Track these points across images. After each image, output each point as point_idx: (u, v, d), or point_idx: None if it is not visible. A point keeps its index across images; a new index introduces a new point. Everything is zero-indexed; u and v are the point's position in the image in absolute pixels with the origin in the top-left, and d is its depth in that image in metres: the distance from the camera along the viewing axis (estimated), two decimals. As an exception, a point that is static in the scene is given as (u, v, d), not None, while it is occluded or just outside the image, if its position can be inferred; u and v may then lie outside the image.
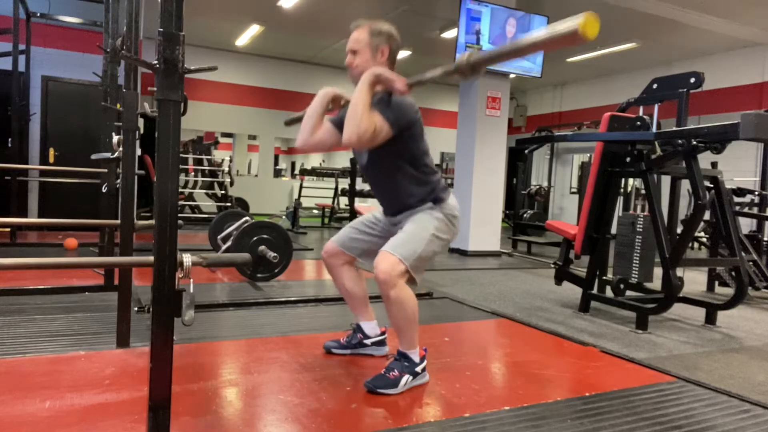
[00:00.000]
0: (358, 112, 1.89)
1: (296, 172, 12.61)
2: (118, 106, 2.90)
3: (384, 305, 2.02)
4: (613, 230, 3.74)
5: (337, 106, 2.21)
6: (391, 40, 2.11)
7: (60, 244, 5.03)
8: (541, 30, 1.33)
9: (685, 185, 3.71)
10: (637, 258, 3.61)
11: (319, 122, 2.19)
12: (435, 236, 2.08)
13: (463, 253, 6.65)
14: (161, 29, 1.24)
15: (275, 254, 3.89)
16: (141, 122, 2.42)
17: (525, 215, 8.69)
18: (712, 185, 3.60)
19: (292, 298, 3.49)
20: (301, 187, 9.46)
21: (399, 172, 2.10)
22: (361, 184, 8.53)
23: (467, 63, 1.59)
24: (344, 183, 9.24)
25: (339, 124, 2.16)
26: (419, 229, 2.07)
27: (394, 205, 2.18)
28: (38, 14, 6.10)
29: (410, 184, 2.11)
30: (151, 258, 1.32)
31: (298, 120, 2.36)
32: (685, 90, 3.59)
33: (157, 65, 1.25)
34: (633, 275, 3.64)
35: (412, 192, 2.11)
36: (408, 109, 2.02)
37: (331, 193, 10.09)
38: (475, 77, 1.67)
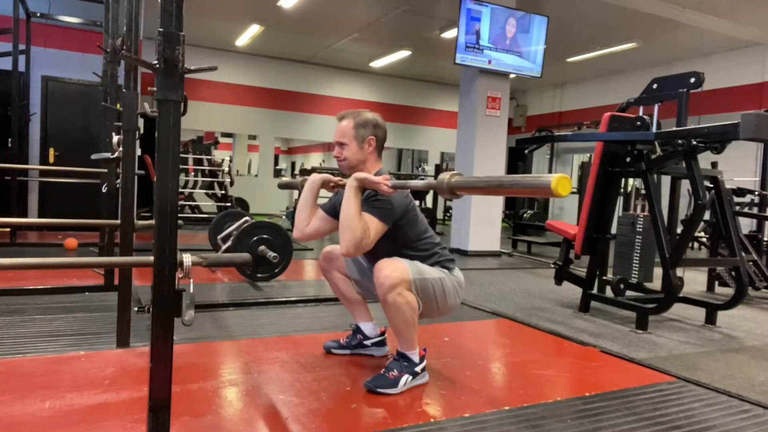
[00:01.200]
0: (351, 223, 1.91)
1: (296, 172, 12.61)
2: (118, 106, 2.90)
3: (381, 308, 2.02)
4: (613, 230, 3.74)
5: (328, 190, 2.23)
6: (376, 130, 2.14)
7: (60, 244, 5.03)
8: (517, 178, 1.46)
9: (685, 185, 3.71)
10: (637, 258, 3.61)
11: (312, 212, 2.22)
12: (443, 283, 2.09)
13: (463, 253, 6.65)
14: (161, 29, 1.24)
15: (275, 254, 3.89)
16: (141, 122, 2.42)
17: (525, 215, 8.69)
18: (712, 185, 3.59)
19: (292, 298, 3.49)
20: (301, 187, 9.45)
21: (401, 256, 2.10)
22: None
23: (447, 185, 1.65)
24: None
25: (331, 211, 2.20)
26: (430, 268, 2.09)
27: None
28: (38, 14, 6.09)
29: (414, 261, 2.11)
30: (151, 258, 1.32)
31: (291, 186, 2.40)
32: (685, 90, 3.59)
33: (157, 65, 1.25)
34: (633, 275, 3.64)
35: None
36: (397, 202, 2.03)
37: (331, 193, 10.07)
38: (452, 197, 1.73)
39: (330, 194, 2.33)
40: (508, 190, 1.56)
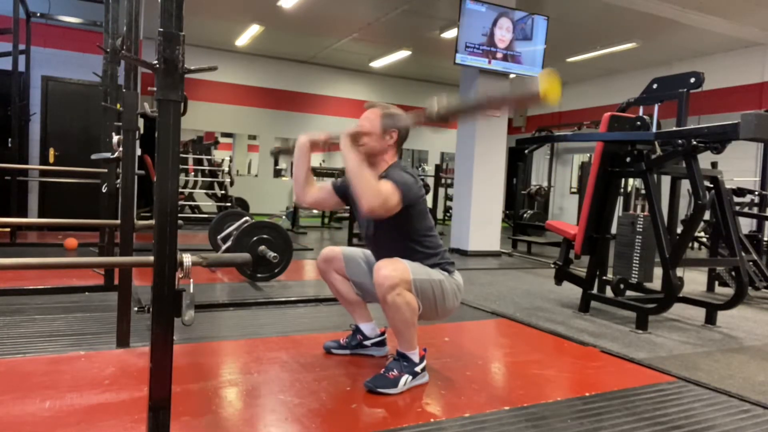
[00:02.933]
0: (366, 180, 1.92)
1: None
2: (118, 106, 2.89)
3: (381, 308, 2.02)
4: (613, 230, 3.74)
5: (318, 149, 2.25)
6: (400, 125, 2.15)
7: (60, 244, 5.03)
8: (507, 91, 1.44)
9: (685, 185, 3.71)
10: (637, 258, 3.61)
11: (308, 175, 2.25)
12: (442, 285, 2.09)
13: (463, 253, 6.65)
14: (161, 29, 1.24)
15: (275, 254, 3.89)
16: (141, 122, 2.42)
17: (525, 215, 8.69)
18: (712, 185, 3.59)
19: (292, 298, 3.49)
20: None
21: (404, 248, 2.11)
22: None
23: (437, 114, 1.68)
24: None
25: (340, 190, 2.24)
26: (429, 270, 2.10)
27: None
28: (38, 14, 6.10)
29: (416, 259, 2.11)
30: (151, 258, 1.32)
31: (285, 152, 2.41)
32: (685, 90, 3.59)
33: (157, 65, 1.25)
34: (633, 275, 3.64)
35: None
36: (413, 186, 2.06)
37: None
38: (443, 122, 1.77)
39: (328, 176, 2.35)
40: (498, 104, 1.56)
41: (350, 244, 6.64)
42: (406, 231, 2.11)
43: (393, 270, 1.95)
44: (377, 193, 1.91)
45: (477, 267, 5.71)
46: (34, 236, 5.96)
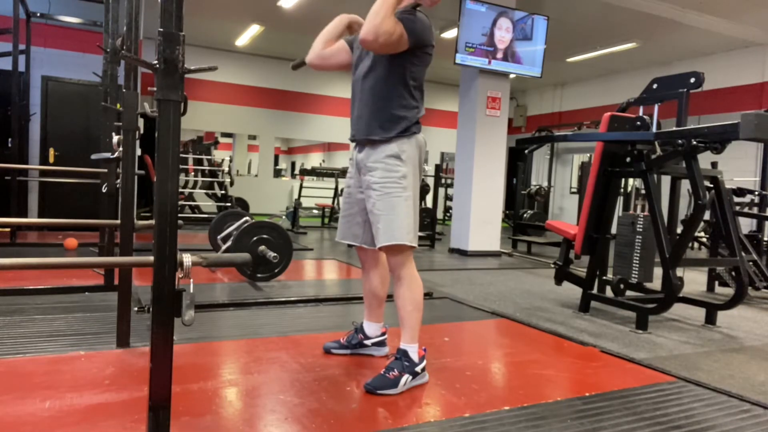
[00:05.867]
0: (381, 11, 1.89)
1: (296, 172, 12.61)
2: (118, 106, 2.89)
3: (393, 292, 2.12)
4: (613, 230, 3.74)
5: (353, 32, 2.22)
6: None
7: (60, 244, 5.04)
8: None
9: (685, 185, 3.71)
10: (637, 258, 3.61)
11: (331, 41, 2.23)
12: (408, 195, 2.08)
13: (463, 253, 6.65)
14: (161, 29, 1.24)
15: (275, 254, 3.89)
16: (141, 122, 2.42)
17: (525, 215, 8.69)
18: (712, 185, 3.59)
19: (292, 298, 3.49)
20: (301, 187, 9.46)
21: (392, 89, 2.09)
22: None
23: None
24: (344, 183, 9.22)
25: (353, 45, 2.21)
26: (394, 200, 2.06)
27: (367, 127, 2.13)
28: (38, 14, 6.10)
29: (396, 105, 2.09)
30: (151, 258, 1.32)
31: (305, 64, 2.39)
32: (685, 90, 3.59)
33: (157, 65, 1.25)
34: (633, 275, 3.64)
35: (392, 115, 2.09)
36: (429, 30, 2.04)
37: (331, 193, 10.08)
38: None
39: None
40: None
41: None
42: (401, 73, 2.08)
43: (395, 251, 2.06)
44: (387, 27, 1.88)
45: (477, 267, 5.71)
46: (34, 236, 5.96)
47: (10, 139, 5.68)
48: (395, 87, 2.09)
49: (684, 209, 6.77)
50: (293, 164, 18.98)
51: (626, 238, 3.68)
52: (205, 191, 8.88)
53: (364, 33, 1.91)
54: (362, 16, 2.29)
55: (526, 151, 9.01)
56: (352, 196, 2.29)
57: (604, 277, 3.81)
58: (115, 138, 2.58)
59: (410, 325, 2.07)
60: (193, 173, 8.90)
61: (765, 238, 4.91)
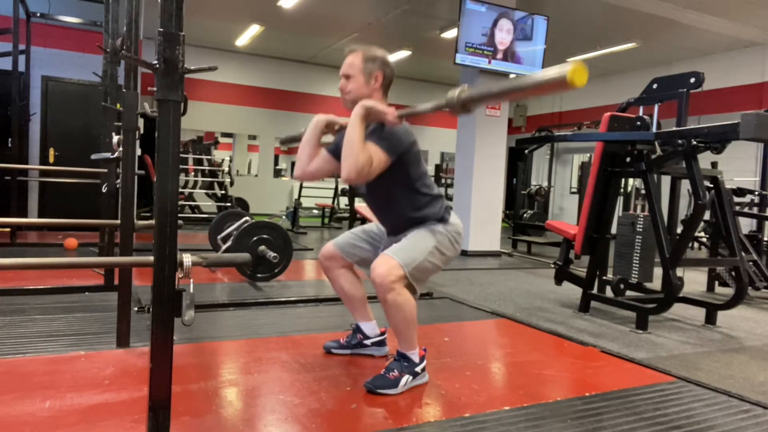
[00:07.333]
0: (354, 149, 1.90)
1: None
2: (118, 106, 2.89)
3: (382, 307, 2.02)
4: (613, 230, 3.74)
5: (332, 132, 2.21)
6: (384, 67, 2.11)
7: (60, 244, 5.04)
8: (531, 76, 1.35)
9: (685, 185, 3.71)
10: (637, 258, 3.61)
11: (314, 151, 2.20)
12: (437, 249, 2.08)
13: (463, 253, 6.64)
14: (161, 29, 1.24)
15: (275, 254, 3.89)
16: (141, 122, 2.42)
17: (525, 215, 8.69)
18: (712, 185, 3.59)
19: (292, 298, 3.49)
20: (301, 187, 9.46)
21: (399, 198, 2.11)
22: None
23: (458, 100, 1.60)
24: (344, 183, 9.22)
25: (335, 152, 2.17)
26: (421, 239, 2.07)
27: (396, 228, 2.20)
28: (38, 14, 6.10)
29: (411, 208, 2.11)
30: (151, 258, 1.32)
31: (294, 140, 2.37)
32: (685, 90, 3.59)
33: (157, 65, 1.25)
34: (633, 275, 3.64)
35: (413, 216, 2.12)
36: (402, 136, 2.02)
37: (331, 193, 10.09)
38: (465, 114, 1.69)
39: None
40: (524, 92, 1.44)
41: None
42: (401, 180, 2.08)
43: (387, 269, 1.94)
44: (362, 162, 1.89)
45: (477, 267, 5.71)
46: (34, 236, 5.96)
47: (10, 139, 5.68)
48: (402, 198, 2.11)
49: (684, 209, 6.77)
50: (293, 164, 18.93)
51: (626, 238, 3.68)
52: (205, 191, 8.88)
53: (345, 176, 1.92)
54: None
55: (526, 151, 9.02)
56: (371, 237, 2.30)
57: (604, 277, 3.81)
58: (115, 138, 2.58)
59: (405, 337, 2.05)
60: (193, 173, 8.91)
61: (765, 238, 4.91)
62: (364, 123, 1.95)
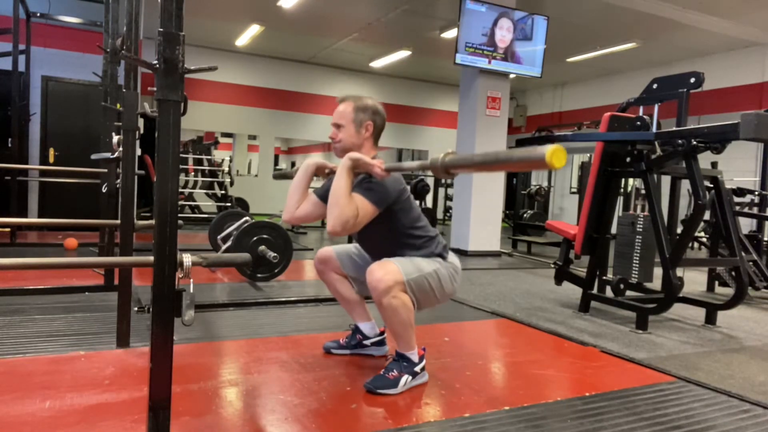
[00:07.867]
0: (339, 201, 1.89)
1: (296, 167, 12.62)
2: (118, 106, 2.89)
3: (381, 317, 2.02)
4: (613, 230, 3.74)
5: (322, 175, 2.21)
6: (375, 116, 2.13)
7: (60, 244, 5.04)
8: (512, 151, 1.40)
9: (685, 185, 3.71)
10: (637, 258, 3.61)
11: (303, 195, 2.20)
12: (437, 274, 2.07)
13: (463, 253, 6.65)
14: (161, 29, 1.24)
15: (275, 254, 3.89)
16: (141, 122, 2.43)
17: (525, 215, 8.69)
18: (712, 185, 3.59)
19: (292, 298, 3.49)
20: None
21: (393, 243, 2.10)
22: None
23: (441, 164, 1.61)
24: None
25: (324, 197, 2.16)
26: (422, 261, 2.08)
27: None
28: (38, 14, 6.10)
29: (407, 250, 2.10)
30: (151, 258, 1.32)
31: (286, 176, 2.38)
32: (685, 90, 3.59)
33: (157, 65, 1.25)
34: (633, 275, 3.64)
35: (409, 255, 2.11)
36: (390, 187, 2.01)
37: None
38: (447, 177, 1.70)
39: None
40: (502, 166, 1.51)
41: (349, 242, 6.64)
42: (392, 227, 2.09)
43: (385, 273, 1.94)
44: (347, 215, 1.89)
45: (477, 267, 5.71)
46: (34, 236, 5.96)
47: (10, 139, 5.68)
48: (396, 244, 2.10)
49: (684, 209, 6.77)
50: (293, 164, 18.99)
51: (626, 238, 3.68)
52: (205, 191, 8.88)
53: (330, 228, 1.91)
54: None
55: (526, 151, 9.01)
56: (366, 262, 2.23)
57: (604, 277, 3.81)
58: (115, 138, 2.58)
59: (403, 339, 2.05)
60: (193, 173, 8.90)
61: (765, 238, 4.91)
62: (351, 175, 1.95)
